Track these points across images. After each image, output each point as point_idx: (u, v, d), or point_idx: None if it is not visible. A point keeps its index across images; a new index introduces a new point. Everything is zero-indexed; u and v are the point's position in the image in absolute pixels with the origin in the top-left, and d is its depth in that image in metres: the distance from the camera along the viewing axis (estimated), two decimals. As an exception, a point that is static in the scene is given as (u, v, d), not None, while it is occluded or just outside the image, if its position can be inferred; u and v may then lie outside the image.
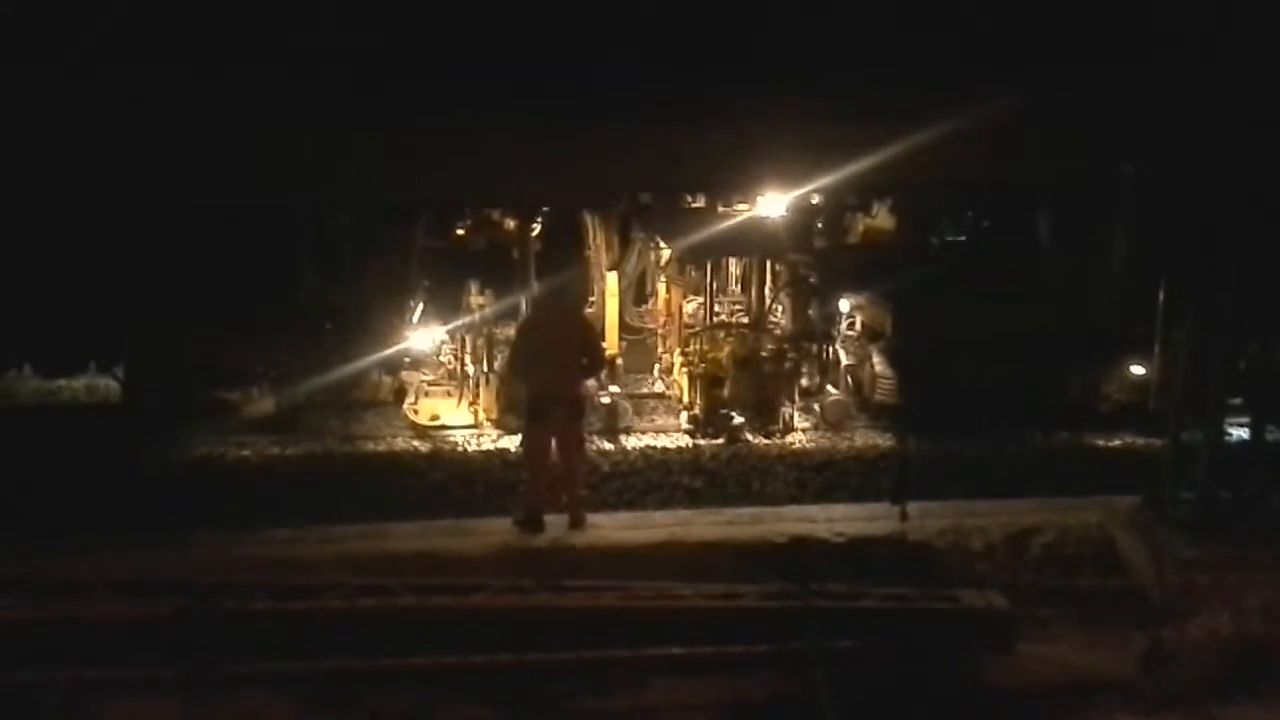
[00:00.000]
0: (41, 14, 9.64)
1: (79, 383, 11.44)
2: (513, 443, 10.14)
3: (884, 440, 10.61)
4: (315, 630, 7.10)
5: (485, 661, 7.03)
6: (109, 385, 11.19)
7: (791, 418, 10.87)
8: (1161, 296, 8.55)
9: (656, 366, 11.80)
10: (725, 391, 10.69)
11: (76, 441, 10.13)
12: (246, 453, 10.18)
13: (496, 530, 8.69)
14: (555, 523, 8.73)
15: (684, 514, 9.34)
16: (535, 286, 10.59)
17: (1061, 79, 9.85)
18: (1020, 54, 10.05)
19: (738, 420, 10.56)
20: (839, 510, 9.23)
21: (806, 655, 7.04)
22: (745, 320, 11.46)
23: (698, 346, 11.10)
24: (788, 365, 10.97)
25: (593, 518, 8.92)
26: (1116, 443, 10.72)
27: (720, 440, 10.53)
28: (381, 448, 10.37)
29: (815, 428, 10.95)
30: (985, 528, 8.64)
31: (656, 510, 9.57)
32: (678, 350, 11.31)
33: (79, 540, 8.13)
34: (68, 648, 6.80)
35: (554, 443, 8.80)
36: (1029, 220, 11.23)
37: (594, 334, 9.57)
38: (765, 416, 10.71)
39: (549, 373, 8.71)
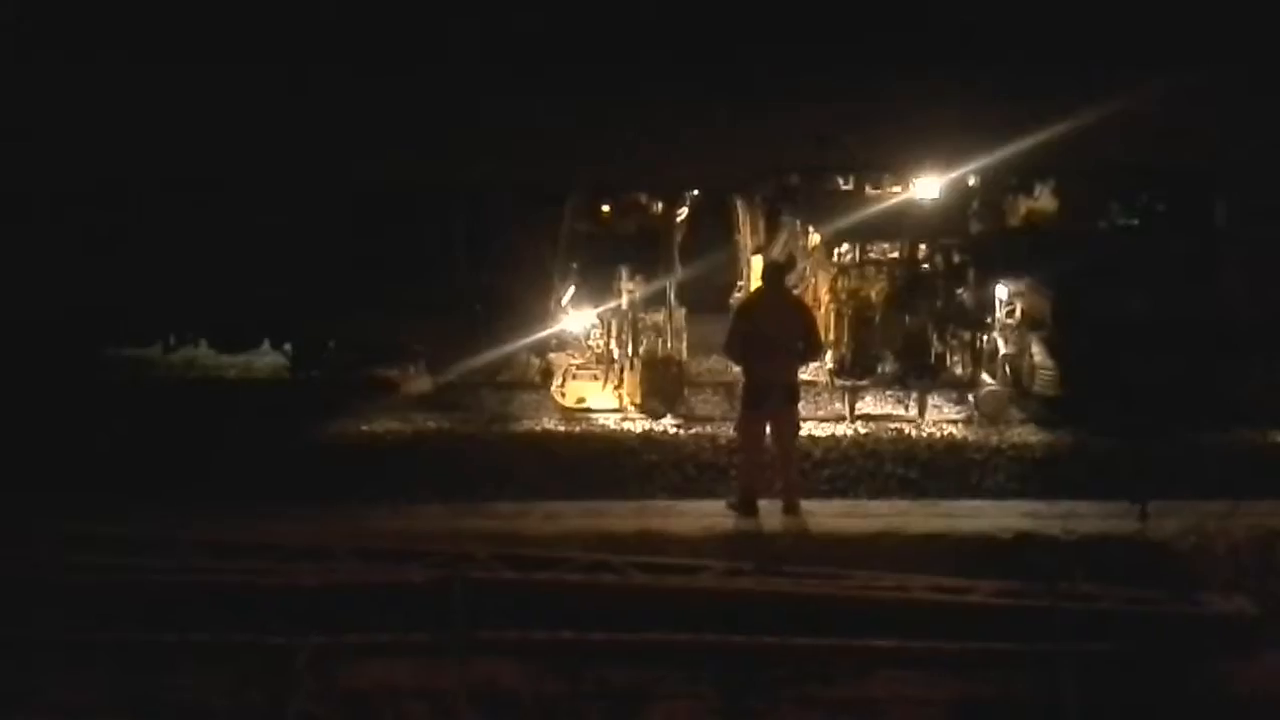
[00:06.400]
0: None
1: (264, 360, 11.76)
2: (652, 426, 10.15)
3: (1107, 439, 9.89)
4: (551, 601, 7.26)
5: (714, 641, 7.05)
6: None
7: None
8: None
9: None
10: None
11: (253, 413, 10.55)
12: (432, 425, 10.34)
13: (711, 513, 8.70)
14: (767, 508, 8.69)
15: (901, 504, 9.14)
16: (679, 271, 10.55)
17: (1241, 58, 9.22)
18: (1195, 32, 9.45)
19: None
20: (1065, 506, 8.78)
21: (1052, 656, 6.80)
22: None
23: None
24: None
25: (805, 504, 8.80)
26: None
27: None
28: (578, 428, 10.32)
29: (969, 420, 10.52)
30: (1228, 529, 8.13)
31: (869, 499, 9.39)
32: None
33: (291, 507, 8.51)
34: (312, 610, 7.08)
35: (768, 427, 8.71)
36: (1206, 205, 10.54)
37: (812, 317, 9.30)
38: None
39: (767, 357, 8.59)
